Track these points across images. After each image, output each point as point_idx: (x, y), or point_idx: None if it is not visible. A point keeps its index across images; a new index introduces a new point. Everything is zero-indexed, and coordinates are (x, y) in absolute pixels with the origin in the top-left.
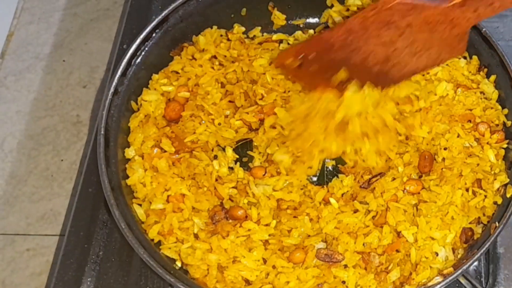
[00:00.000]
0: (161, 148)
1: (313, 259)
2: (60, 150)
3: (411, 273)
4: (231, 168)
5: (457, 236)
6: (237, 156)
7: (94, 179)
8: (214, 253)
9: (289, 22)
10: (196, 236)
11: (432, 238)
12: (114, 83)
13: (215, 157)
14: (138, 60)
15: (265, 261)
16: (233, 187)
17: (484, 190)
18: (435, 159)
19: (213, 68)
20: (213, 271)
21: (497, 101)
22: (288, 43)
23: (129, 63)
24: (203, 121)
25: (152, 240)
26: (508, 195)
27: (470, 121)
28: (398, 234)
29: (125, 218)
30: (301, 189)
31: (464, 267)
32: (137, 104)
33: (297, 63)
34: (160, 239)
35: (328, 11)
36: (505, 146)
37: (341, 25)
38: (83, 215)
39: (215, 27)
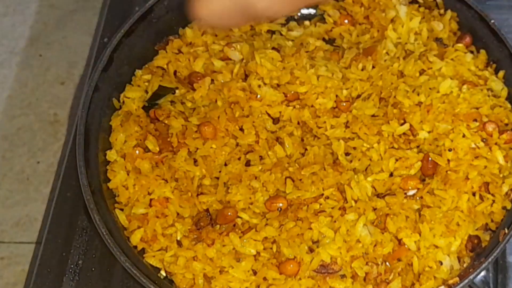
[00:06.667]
0: (144, 148)
1: (307, 270)
2: (37, 152)
3: (413, 284)
4: (217, 178)
5: (463, 243)
6: None
7: (73, 182)
8: (199, 262)
9: None
10: (179, 244)
11: (436, 246)
12: (94, 79)
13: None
14: (121, 54)
15: (255, 272)
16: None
17: (492, 195)
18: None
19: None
20: (199, 280)
21: (506, 99)
22: (281, 34)
23: (110, 58)
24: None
25: (135, 247)
26: None
27: (476, 120)
28: (399, 241)
29: (106, 224)
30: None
31: (471, 277)
32: (119, 101)
33: None
34: (144, 247)
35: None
36: None
37: None
38: (61, 221)
39: None
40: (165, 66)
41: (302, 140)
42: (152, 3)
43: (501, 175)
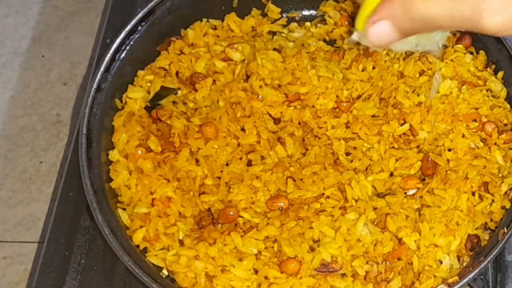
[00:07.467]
0: (146, 148)
1: (308, 269)
2: (39, 152)
3: (413, 282)
4: (218, 178)
5: (462, 243)
6: None
7: (75, 182)
8: (201, 261)
9: (284, 15)
10: (181, 243)
11: (436, 245)
12: (97, 80)
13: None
14: (123, 55)
15: (256, 271)
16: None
17: (491, 194)
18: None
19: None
20: (200, 279)
21: (505, 99)
22: (282, 35)
23: (113, 58)
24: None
25: (137, 246)
26: None
27: (475, 120)
28: (399, 240)
29: (109, 224)
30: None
31: (470, 276)
32: (121, 101)
33: None
34: (146, 246)
35: (324, 4)
36: None
37: None
38: (64, 220)
39: (205, 19)
40: (167, 67)
41: (303, 140)
42: (154, 5)
43: (500, 175)
